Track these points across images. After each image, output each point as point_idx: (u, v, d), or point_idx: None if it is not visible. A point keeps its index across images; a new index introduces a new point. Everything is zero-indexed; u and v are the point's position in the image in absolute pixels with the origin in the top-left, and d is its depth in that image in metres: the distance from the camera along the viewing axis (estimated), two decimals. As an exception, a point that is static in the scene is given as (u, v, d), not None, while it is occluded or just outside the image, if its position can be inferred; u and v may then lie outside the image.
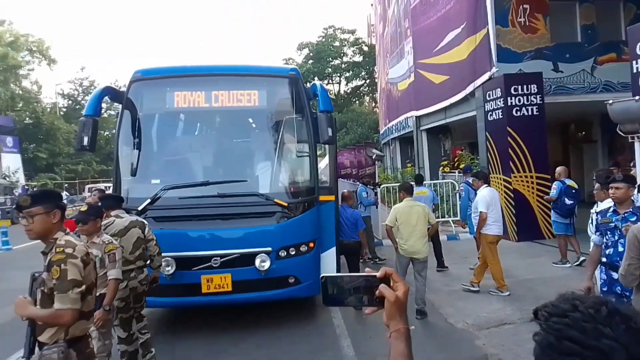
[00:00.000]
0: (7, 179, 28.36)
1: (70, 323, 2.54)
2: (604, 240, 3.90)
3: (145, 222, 4.74)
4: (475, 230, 6.88)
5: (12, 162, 31.29)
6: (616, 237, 3.80)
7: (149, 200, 5.26)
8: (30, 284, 2.61)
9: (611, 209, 3.93)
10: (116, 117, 5.99)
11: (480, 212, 6.56)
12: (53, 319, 2.52)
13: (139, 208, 5.23)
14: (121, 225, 4.47)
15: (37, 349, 2.58)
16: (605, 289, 3.88)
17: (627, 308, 0.92)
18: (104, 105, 5.85)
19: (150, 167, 5.92)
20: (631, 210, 3.80)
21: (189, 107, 5.83)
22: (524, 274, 7.52)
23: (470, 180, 8.68)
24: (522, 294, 6.47)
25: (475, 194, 7.98)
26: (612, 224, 3.83)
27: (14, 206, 23.32)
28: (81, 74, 43.50)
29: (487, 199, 6.59)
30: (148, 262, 4.66)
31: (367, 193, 9.44)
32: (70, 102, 43.69)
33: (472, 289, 6.57)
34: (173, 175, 5.76)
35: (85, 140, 5.21)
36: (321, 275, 1.20)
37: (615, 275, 3.75)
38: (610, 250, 3.83)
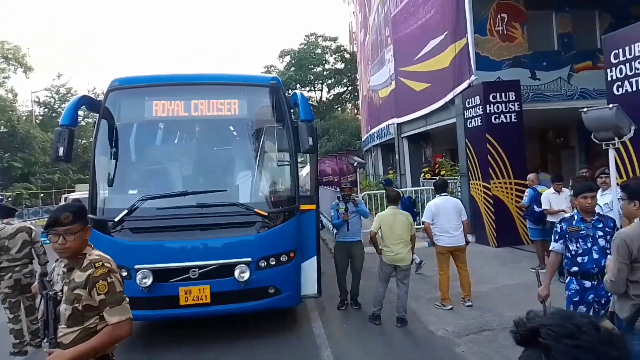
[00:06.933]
0: (-19, 188, 27.67)
1: (130, 333, 2.56)
2: (574, 248, 3.92)
3: (33, 227, 5.84)
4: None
5: (-13, 172, 30.57)
6: (589, 245, 3.86)
7: (125, 211, 5.17)
8: (45, 305, 2.52)
9: (577, 218, 3.99)
10: (93, 126, 5.89)
11: (423, 221, 6.62)
12: (114, 336, 2.50)
13: (116, 219, 5.14)
14: (11, 230, 5.65)
15: None
16: (576, 299, 3.86)
17: (610, 326, 0.97)
18: (81, 113, 5.77)
19: (128, 177, 5.82)
20: (597, 217, 3.95)
21: (167, 116, 5.76)
22: (504, 279, 7.59)
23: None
24: (501, 300, 6.51)
25: (403, 204, 8.03)
26: (583, 232, 3.90)
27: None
28: (57, 81, 42.65)
29: (432, 210, 6.46)
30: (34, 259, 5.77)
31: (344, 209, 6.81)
32: (46, 110, 42.83)
33: (445, 308, 6.29)
34: (151, 186, 5.68)
35: (61, 150, 5.09)
36: None
37: (587, 284, 3.81)
38: (583, 259, 3.86)
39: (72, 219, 2.54)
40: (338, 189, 11.60)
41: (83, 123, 34.44)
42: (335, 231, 7.06)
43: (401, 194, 9.15)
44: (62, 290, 2.55)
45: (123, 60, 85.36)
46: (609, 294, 3.50)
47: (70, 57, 75.72)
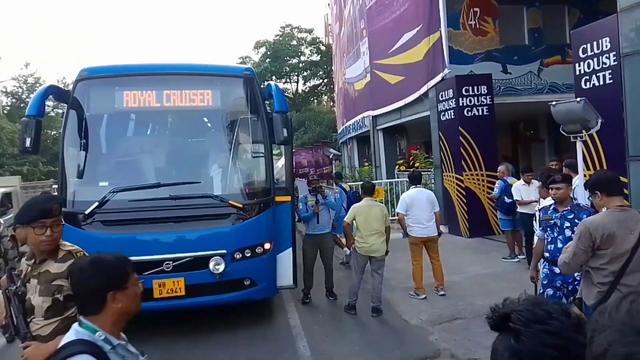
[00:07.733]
0: (-55, 181, 26.67)
1: None
2: (545, 235, 4.11)
3: (1, 221, 5.56)
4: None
5: (-50, 164, 29.50)
6: (555, 234, 4.01)
7: (96, 204, 5.07)
8: (8, 300, 2.47)
9: (552, 207, 4.15)
10: (63, 117, 5.74)
11: (397, 212, 6.80)
12: None
13: (86, 212, 5.04)
14: None
15: None
16: (545, 282, 4.09)
17: (578, 312, 0.99)
18: (51, 103, 5.64)
19: (98, 169, 5.72)
20: (569, 208, 4.04)
21: (139, 107, 5.65)
22: (476, 269, 7.75)
23: (343, 185, 9.14)
24: (473, 289, 6.66)
25: (349, 198, 8.17)
26: (552, 221, 4.05)
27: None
28: (25, 70, 41.34)
29: (406, 201, 6.59)
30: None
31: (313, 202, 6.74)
32: (14, 100, 41.49)
33: (419, 297, 6.40)
34: (122, 177, 5.58)
35: (28, 141, 4.96)
36: None
37: (557, 270, 3.93)
38: (551, 247, 4.03)
39: (60, 209, 2.57)
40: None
41: (52, 114, 33.49)
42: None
43: (349, 188, 9.47)
44: (24, 285, 2.51)
45: (123, 60, 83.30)
46: (576, 282, 3.62)
47: (70, 57, 73.77)
